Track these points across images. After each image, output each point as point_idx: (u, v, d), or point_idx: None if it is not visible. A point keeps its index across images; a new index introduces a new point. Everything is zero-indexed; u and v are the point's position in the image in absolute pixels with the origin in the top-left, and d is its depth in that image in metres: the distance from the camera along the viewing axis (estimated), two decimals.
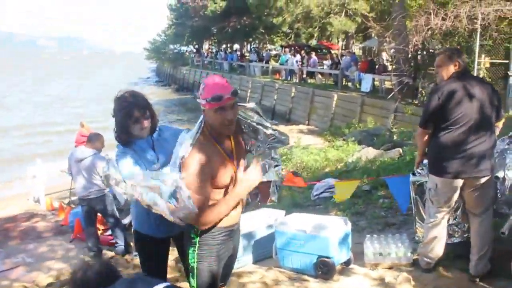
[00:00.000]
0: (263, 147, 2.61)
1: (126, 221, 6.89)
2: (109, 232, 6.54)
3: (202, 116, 2.38)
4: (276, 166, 2.67)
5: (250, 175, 2.40)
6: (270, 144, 2.61)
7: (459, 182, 3.58)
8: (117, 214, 6.28)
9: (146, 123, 2.80)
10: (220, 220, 2.40)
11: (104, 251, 6.22)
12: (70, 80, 49.71)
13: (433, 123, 3.63)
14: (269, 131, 2.55)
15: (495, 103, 3.59)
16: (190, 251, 2.45)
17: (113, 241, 6.34)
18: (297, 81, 23.34)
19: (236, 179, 2.40)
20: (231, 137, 2.46)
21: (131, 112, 2.76)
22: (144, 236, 2.97)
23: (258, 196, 2.75)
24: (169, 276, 4.06)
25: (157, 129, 2.92)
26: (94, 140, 6.04)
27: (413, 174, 4.20)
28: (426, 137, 3.71)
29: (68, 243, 6.64)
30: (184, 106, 29.42)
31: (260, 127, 2.53)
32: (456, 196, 3.66)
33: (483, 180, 3.53)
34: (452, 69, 3.61)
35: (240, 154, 2.50)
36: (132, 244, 6.31)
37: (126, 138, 2.81)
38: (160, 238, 2.94)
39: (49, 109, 28.14)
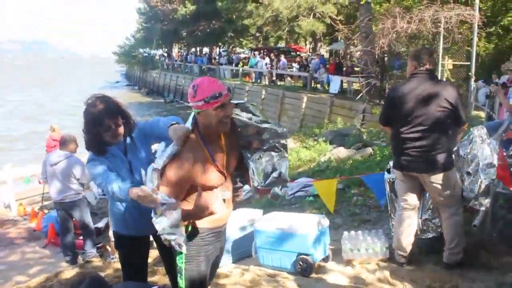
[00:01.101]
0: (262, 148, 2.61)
1: (101, 224, 6.83)
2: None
3: (192, 117, 2.38)
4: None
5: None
6: (271, 141, 2.60)
7: (410, 176, 3.81)
8: (91, 220, 6.20)
9: (118, 130, 2.72)
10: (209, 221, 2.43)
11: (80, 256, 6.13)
12: (36, 87, 47.83)
13: (390, 120, 3.87)
14: (263, 125, 2.53)
15: (449, 106, 3.60)
16: (178, 252, 2.42)
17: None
18: (267, 83, 23.52)
19: (220, 178, 2.42)
20: (222, 136, 2.46)
21: (101, 120, 2.66)
22: (122, 236, 2.97)
23: (253, 193, 2.73)
24: (148, 278, 4.07)
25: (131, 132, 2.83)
26: (67, 142, 5.94)
27: (388, 172, 4.35)
28: (390, 132, 3.98)
29: (42, 248, 6.51)
30: (154, 109, 29.09)
31: (252, 122, 2.52)
32: (413, 189, 3.86)
33: (433, 177, 3.68)
34: (410, 69, 3.81)
35: (232, 152, 2.51)
36: (108, 247, 6.26)
37: (98, 146, 2.72)
38: (137, 237, 2.94)
39: (16, 118, 26.99)
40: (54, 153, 6.01)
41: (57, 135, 8.68)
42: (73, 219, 6.11)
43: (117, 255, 5.20)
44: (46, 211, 8.00)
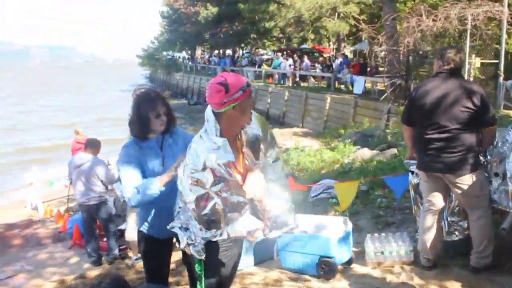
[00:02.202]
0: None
1: (124, 226, 6.89)
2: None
3: (212, 119, 2.26)
4: None
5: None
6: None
7: (435, 177, 3.71)
8: (114, 222, 6.29)
9: (165, 119, 2.81)
10: None
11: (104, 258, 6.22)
12: (64, 92, 48.75)
13: (412, 120, 3.79)
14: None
15: (473, 106, 3.49)
16: (197, 259, 2.42)
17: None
18: (290, 84, 23.45)
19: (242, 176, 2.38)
20: (237, 136, 2.41)
21: (155, 105, 2.77)
22: (146, 236, 2.98)
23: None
24: (171, 279, 4.09)
25: (171, 130, 2.90)
26: (91, 145, 6.06)
27: (411, 173, 4.25)
28: (408, 132, 3.89)
29: (67, 249, 6.63)
30: (178, 111, 29.31)
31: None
32: (438, 190, 3.76)
33: (458, 178, 3.58)
34: (436, 67, 3.74)
35: (246, 151, 2.44)
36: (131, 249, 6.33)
37: (142, 132, 2.79)
38: (161, 239, 2.95)
39: (47, 127, 27.26)
40: (78, 155, 6.13)
41: (82, 138, 8.84)
42: (97, 221, 6.21)
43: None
44: (71, 213, 8.17)
